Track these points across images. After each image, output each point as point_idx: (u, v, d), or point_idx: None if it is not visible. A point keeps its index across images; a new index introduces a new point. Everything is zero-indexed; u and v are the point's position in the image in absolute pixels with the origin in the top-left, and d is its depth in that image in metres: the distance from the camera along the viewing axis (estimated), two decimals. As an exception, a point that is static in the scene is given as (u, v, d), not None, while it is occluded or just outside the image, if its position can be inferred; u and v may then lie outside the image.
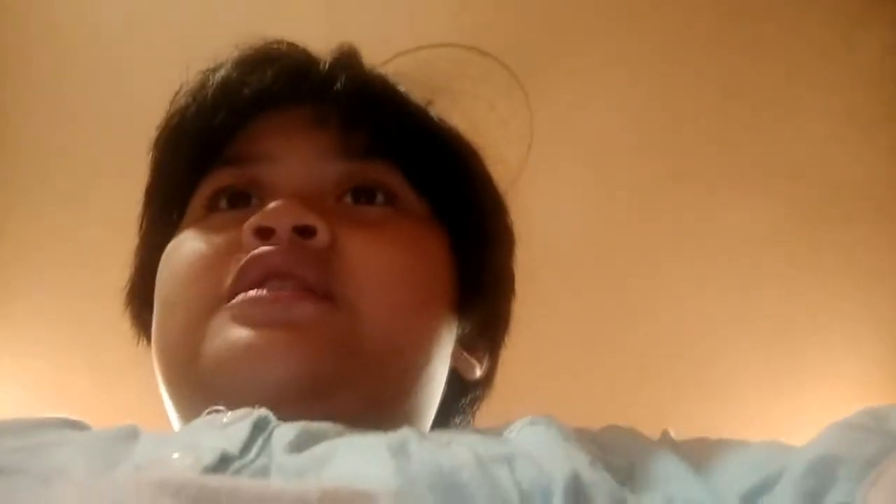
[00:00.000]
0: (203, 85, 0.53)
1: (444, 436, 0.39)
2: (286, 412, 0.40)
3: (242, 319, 0.44)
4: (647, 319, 1.61)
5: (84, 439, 0.38)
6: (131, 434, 0.38)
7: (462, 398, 0.59)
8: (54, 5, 1.39)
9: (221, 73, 0.53)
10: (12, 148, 1.45)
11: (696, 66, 1.45)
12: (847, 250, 1.57)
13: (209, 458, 0.33)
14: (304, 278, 0.44)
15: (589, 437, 0.42)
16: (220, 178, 0.51)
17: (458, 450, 0.35)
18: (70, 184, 1.47)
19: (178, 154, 0.53)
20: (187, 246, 0.49)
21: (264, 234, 0.45)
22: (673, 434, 0.44)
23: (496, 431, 0.41)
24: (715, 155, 1.50)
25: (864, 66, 1.44)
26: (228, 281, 0.45)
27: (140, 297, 0.56)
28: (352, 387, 0.45)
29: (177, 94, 0.55)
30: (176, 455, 0.34)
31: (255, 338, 0.43)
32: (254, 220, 0.45)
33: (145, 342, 0.56)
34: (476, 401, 0.60)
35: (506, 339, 0.60)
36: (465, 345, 0.55)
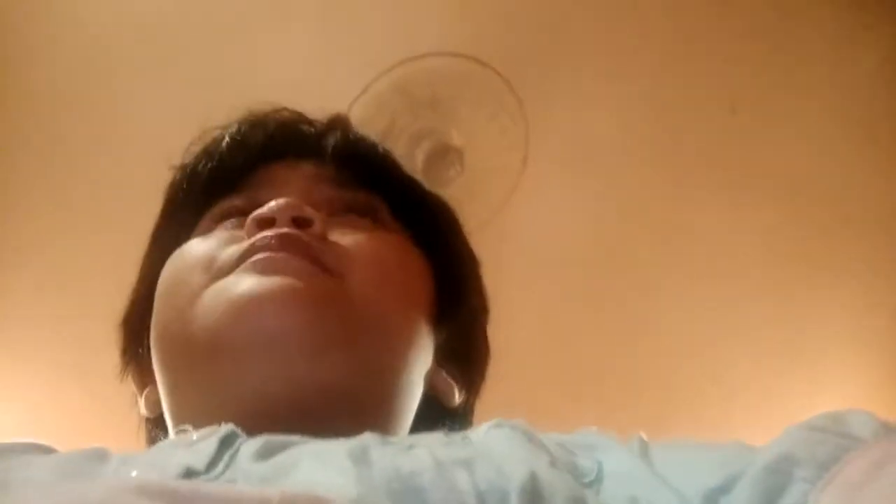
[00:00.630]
0: (217, 139, 0.61)
1: (406, 440, 0.40)
2: (281, 368, 0.44)
3: (245, 271, 0.47)
4: (644, 331, 1.61)
5: (51, 460, 0.39)
6: (99, 455, 0.39)
7: (439, 426, 0.60)
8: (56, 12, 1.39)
9: (233, 129, 0.61)
10: (11, 157, 1.45)
11: (694, 78, 1.46)
12: (846, 262, 1.56)
13: (173, 473, 0.34)
14: (306, 249, 0.49)
15: (557, 440, 0.43)
16: (228, 202, 0.58)
17: (419, 453, 0.35)
18: (68, 203, 1.46)
19: (192, 191, 0.60)
20: (192, 244, 0.54)
21: (265, 223, 0.50)
22: (645, 437, 0.44)
23: (461, 434, 0.43)
24: (714, 167, 1.50)
25: (864, 78, 1.44)
26: (232, 260, 0.49)
27: (138, 320, 0.59)
28: (346, 345, 0.48)
29: (188, 147, 0.63)
30: (134, 473, 0.35)
31: (257, 284, 0.46)
32: (256, 212, 0.51)
33: (132, 373, 0.60)
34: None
35: (481, 384, 0.65)
36: (443, 368, 0.59)
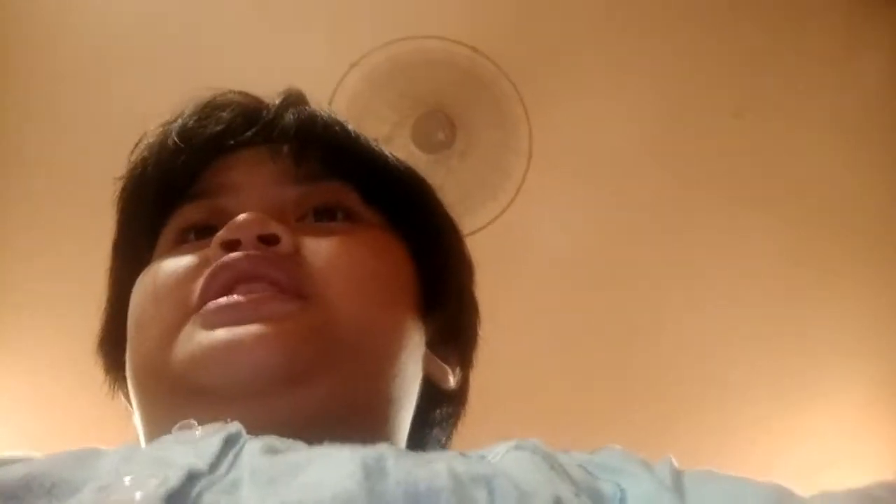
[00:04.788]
0: (163, 136, 0.56)
1: (423, 455, 0.38)
2: (264, 404, 0.41)
3: (212, 324, 0.44)
4: (648, 338, 1.59)
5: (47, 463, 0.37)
6: (93, 454, 0.38)
7: (437, 408, 0.59)
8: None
9: (179, 122, 0.55)
10: (14, 157, 1.45)
11: (699, 81, 1.45)
12: (853, 268, 1.55)
13: (175, 478, 0.32)
14: (273, 279, 0.46)
15: (578, 461, 0.41)
16: (186, 214, 0.53)
17: (437, 468, 0.33)
18: (68, 199, 1.46)
19: (144, 200, 0.56)
20: (157, 270, 0.51)
21: (230, 245, 0.47)
22: (675, 462, 0.42)
23: (479, 454, 0.41)
24: (718, 169, 1.50)
25: (869, 81, 1.43)
26: (198, 291, 0.46)
27: (113, 344, 0.57)
28: (328, 371, 0.45)
29: (136, 147, 0.57)
30: (127, 479, 0.33)
31: (226, 335, 0.44)
32: (220, 234, 0.47)
33: (122, 393, 0.57)
34: (452, 415, 0.61)
35: (474, 355, 0.62)
36: (436, 352, 0.56)
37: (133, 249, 0.56)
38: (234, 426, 0.38)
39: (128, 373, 0.51)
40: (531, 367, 1.52)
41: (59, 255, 1.47)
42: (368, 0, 1.42)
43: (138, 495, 0.31)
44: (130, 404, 0.54)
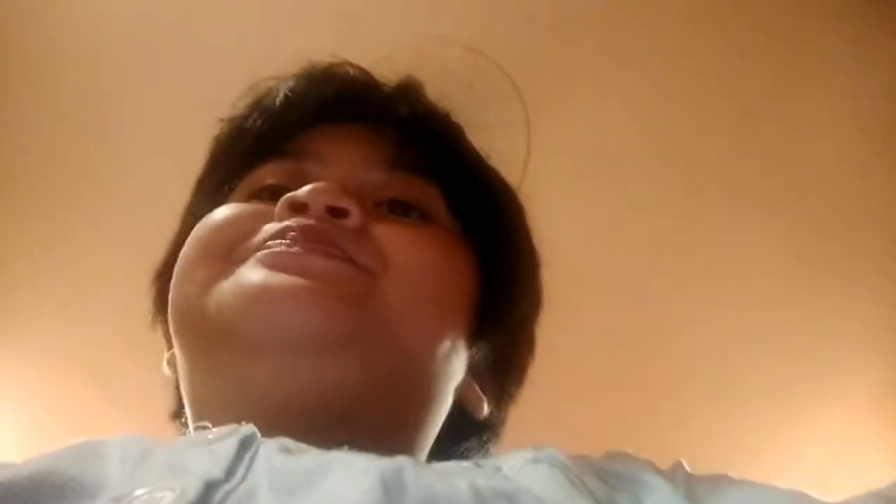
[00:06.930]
0: (270, 93, 0.56)
1: (443, 468, 0.37)
2: (289, 362, 0.41)
3: (268, 263, 0.44)
4: (653, 340, 1.59)
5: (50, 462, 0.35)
6: (97, 448, 0.37)
7: (465, 440, 0.58)
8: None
9: (289, 83, 0.56)
10: (14, 156, 1.45)
11: (705, 81, 1.44)
12: (863, 269, 1.54)
13: (193, 490, 0.31)
14: (340, 245, 0.45)
15: (593, 470, 0.40)
16: (268, 170, 0.54)
17: (457, 484, 0.32)
18: (69, 197, 1.45)
19: (237, 148, 0.56)
20: (218, 213, 0.51)
21: (298, 208, 0.46)
22: (687, 466, 0.42)
23: (494, 466, 0.39)
24: (725, 170, 1.48)
25: (879, 80, 1.42)
26: (259, 238, 0.46)
27: (168, 279, 0.56)
28: (360, 346, 0.44)
29: (240, 97, 0.58)
30: (143, 490, 0.32)
31: (275, 279, 0.43)
32: (290, 194, 0.47)
33: (161, 327, 0.56)
34: (480, 447, 0.60)
35: (517, 393, 0.61)
36: (476, 378, 0.55)
37: (213, 191, 0.56)
38: (249, 428, 0.38)
39: (170, 316, 0.50)
40: (532, 371, 1.51)
41: (59, 252, 1.46)
42: (364, 8, 1.41)
43: None
44: (166, 342, 0.55)
